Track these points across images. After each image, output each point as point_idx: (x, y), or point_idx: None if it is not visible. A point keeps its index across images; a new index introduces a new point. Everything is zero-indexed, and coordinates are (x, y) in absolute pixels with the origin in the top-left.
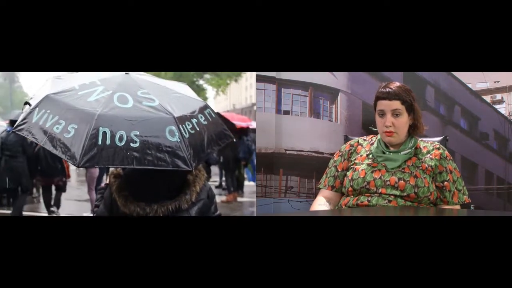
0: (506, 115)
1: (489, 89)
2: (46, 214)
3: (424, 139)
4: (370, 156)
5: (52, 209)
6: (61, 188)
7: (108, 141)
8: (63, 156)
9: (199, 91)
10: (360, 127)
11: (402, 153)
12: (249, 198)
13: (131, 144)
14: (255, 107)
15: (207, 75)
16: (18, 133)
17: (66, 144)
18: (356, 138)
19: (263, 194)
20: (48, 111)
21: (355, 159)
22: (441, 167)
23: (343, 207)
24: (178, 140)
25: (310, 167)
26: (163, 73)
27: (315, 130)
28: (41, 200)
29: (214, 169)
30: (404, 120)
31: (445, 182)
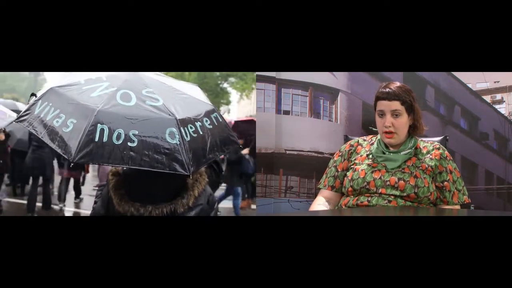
0: (506, 115)
1: (489, 89)
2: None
3: (424, 139)
4: (370, 156)
5: (63, 203)
6: (79, 181)
7: (105, 139)
8: (59, 150)
9: (223, 94)
10: (360, 127)
11: (402, 153)
12: None
13: (129, 143)
14: None
15: (232, 78)
16: (20, 124)
17: (64, 138)
18: (356, 138)
19: (263, 194)
20: (50, 104)
21: (355, 159)
22: (441, 167)
23: (343, 207)
24: (178, 142)
25: (310, 167)
26: (187, 74)
27: (315, 130)
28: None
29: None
30: (403, 121)
31: (445, 182)
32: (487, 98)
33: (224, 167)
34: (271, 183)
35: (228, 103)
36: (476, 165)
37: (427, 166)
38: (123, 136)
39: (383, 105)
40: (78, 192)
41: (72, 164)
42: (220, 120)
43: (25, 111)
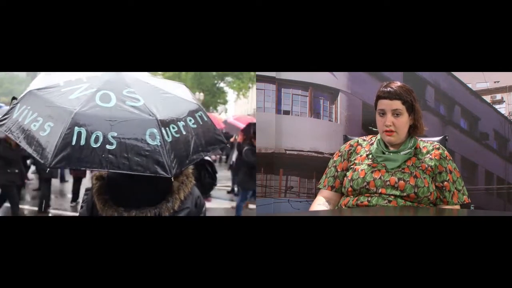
0: (506, 115)
1: (489, 89)
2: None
3: (423, 139)
4: (370, 156)
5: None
6: (80, 183)
7: (82, 142)
8: (35, 155)
9: (220, 93)
10: (360, 127)
11: (402, 153)
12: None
13: (107, 146)
14: None
15: (228, 78)
16: None
17: (41, 142)
18: (356, 138)
19: (263, 194)
20: (29, 108)
21: (354, 159)
22: (441, 167)
23: (343, 207)
24: (159, 144)
25: (310, 167)
26: (183, 74)
27: (315, 130)
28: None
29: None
30: (404, 120)
31: (445, 182)
32: (487, 98)
33: (225, 167)
34: (271, 183)
35: (225, 102)
36: (476, 165)
37: (427, 166)
38: (101, 139)
39: (384, 104)
40: (76, 195)
41: (48, 169)
42: (205, 119)
43: (4, 115)
